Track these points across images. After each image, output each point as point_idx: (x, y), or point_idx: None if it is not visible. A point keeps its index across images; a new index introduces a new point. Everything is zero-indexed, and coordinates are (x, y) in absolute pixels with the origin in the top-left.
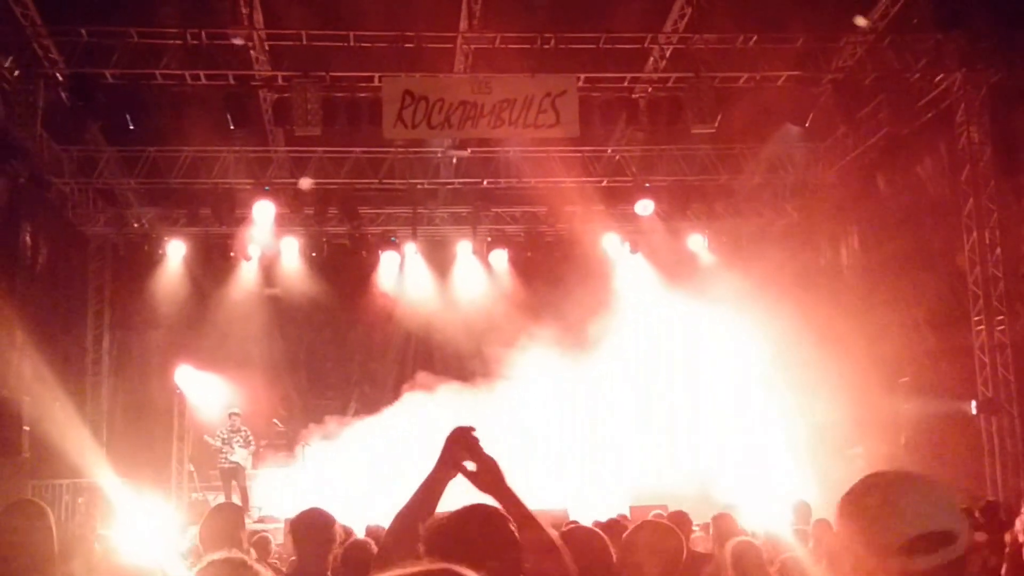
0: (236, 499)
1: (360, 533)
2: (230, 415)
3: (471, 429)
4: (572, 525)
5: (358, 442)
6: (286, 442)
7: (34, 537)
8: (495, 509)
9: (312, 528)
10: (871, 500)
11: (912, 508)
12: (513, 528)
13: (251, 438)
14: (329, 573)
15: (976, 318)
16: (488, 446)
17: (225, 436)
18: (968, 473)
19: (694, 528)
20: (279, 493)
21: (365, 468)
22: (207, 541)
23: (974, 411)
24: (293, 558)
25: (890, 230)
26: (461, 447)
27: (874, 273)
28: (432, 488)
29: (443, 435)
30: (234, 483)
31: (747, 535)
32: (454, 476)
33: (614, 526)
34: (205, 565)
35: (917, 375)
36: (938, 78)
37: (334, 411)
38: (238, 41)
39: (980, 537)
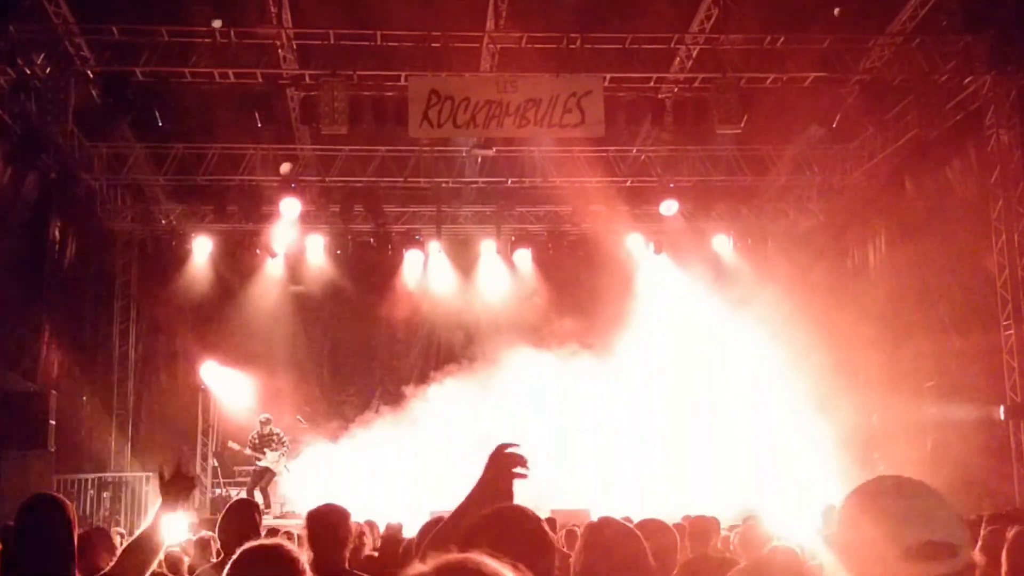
0: (258, 495)
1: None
2: (260, 421)
3: (517, 458)
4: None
5: (380, 438)
6: (309, 438)
7: (55, 531)
8: (528, 509)
9: (327, 523)
10: (886, 501)
11: (922, 514)
12: (547, 529)
13: (284, 438)
14: (347, 566)
15: (1005, 322)
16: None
17: (257, 443)
18: (995, 479)
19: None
20: (303, 488)
21: (387, 464)
22: (225, 535)
23: (1002, 416)
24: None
25: (918, 233)
26: (506, 473)
27: (901, 276)
28: (469, 510)
29: (458, 432)
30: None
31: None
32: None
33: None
34: (240, 554)
35: (944, 379)
36: (967, 80)
37: (357, 408)
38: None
39: (979, 558)
